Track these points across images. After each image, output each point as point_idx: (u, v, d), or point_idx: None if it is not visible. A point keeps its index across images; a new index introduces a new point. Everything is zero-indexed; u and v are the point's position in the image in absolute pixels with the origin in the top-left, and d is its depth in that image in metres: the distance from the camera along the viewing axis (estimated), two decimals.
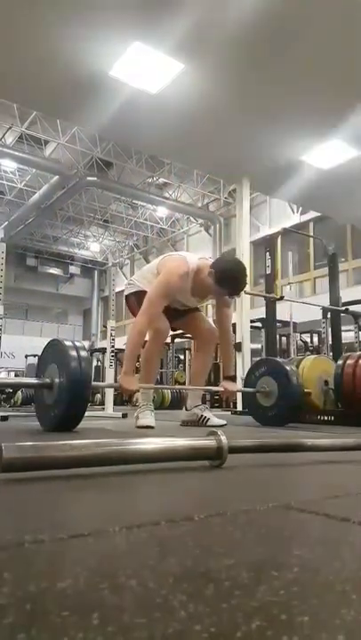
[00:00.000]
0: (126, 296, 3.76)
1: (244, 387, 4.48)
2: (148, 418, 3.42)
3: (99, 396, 13.50)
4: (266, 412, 4.14)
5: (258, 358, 6.34)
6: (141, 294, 3.46)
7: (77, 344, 3.01)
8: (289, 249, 12.97)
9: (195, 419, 3.69)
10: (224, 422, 3.68)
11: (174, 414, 6.50)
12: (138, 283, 3.67)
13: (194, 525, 0.78)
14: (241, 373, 9.12)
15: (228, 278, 3.37)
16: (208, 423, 3.62)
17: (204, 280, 3.41)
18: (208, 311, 12.54)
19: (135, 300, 3.56)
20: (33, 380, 3.19)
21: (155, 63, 6.09)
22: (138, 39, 5.72)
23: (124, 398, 11.44)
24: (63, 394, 2.89)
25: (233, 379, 3.94)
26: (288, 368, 4.14)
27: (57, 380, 2.94)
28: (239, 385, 5.38)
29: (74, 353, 2.90)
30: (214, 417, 3.75)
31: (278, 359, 4.70)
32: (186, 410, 3.79)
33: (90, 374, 3.08)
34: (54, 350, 3.09)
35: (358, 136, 7.72)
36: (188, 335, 6.71)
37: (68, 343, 3.01)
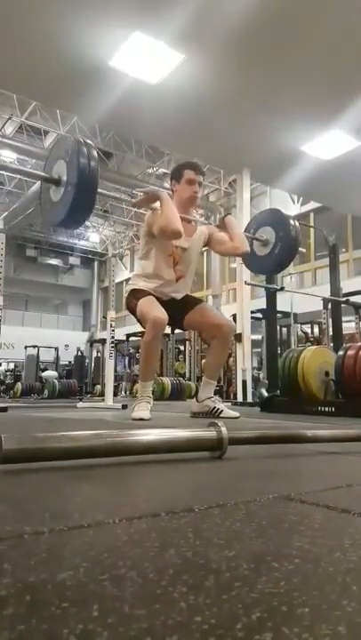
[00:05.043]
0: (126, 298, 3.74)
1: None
2: (143, 410, 3.40)
3: (99, 387, 13.55)
4: (262, 261, 4.32)
5: (258, 349, 6.33)
6: (136, 292, 3.56)
7: (88, 141, 3.10)
8: None
9: (207, 410, 3.63)
10: (238, 414, 3.64)
11: (175, 405, 6.52)
12: (131, 281, 3.75)
13: (194, 517, 0.78)
14: (241, 364, 9.15)
15: (178, 166, 3.69)
16: (222, 415, 3.54)
17: (175, 197, 3.57)
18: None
19: (132, 297, 3.60)
20: (41, 173, 3.25)
21: (155, 53, 6.06)
22: (138, 29, 5.69)
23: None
24: (71, 189, 2.94)
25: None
26: (285, 216, 4.38)
27: (64, 178, 3.00)
28: (247, 384, 5.36)
29: (84, 149, 2.97)
30: (228, 409, 3.69)
31: (280, 211, 4.74)
32: (197, 401, 3.74)
33: (96, 173, 3.04)
34: (62, 148, 3.17)
35: (359, 127, 7.69)
36: None
37: (78, 139, 3.08)
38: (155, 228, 3.42)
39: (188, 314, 3.67)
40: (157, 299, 3.51)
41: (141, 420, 3.25)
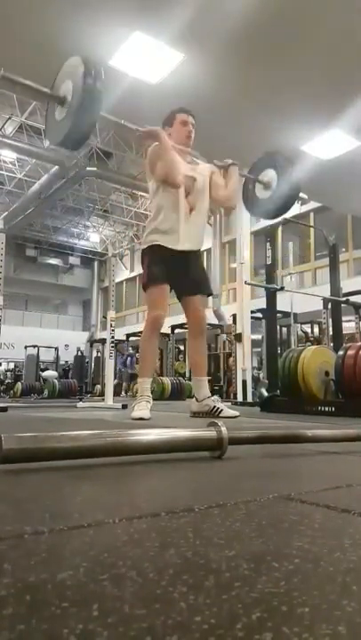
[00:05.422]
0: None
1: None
2: (143, 409, 3.40)
3: (99, 387, 13.57)
4: (264, 204, 4.33)
5: (258, 349, 6.33)
6: (148, 254, 3.60)
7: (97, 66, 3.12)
8: (290, 239, 12.94)
9: (207, 410, 3.63)
10: (237, 413, 3.64)
11: (175, 405, 6.52)
12: (145, 234, 3.75)
13: (194, 516, 0.78)
14: (241, 363, 9.15)
15: (169, 114, 3.72)
16: (222, 414, 3.54)
17: (172, 138, 3.58)
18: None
19: (144, 258, 3.65)
20: (46, 90, 3.41)
21: (155, 53, 6.06)
22: (138, 29, 5.69)
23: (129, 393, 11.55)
24: (74, 109, 3.02)
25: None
26: (287, 158, 4.43)
27: (69, 97, 3.08)
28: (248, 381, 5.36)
29: (91, 69, 3.03)
30: (227, 408, 3.69)
31: (281, 153, 4.77)
32: (197, 401, 3.74)
33: (101, 92, 3.10)
34: (70, 67, 3.28)
35: (359, 127, 7.69)
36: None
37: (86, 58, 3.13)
38: (158, 167, 3.51)
39: (186, 297, 3.70)
40: (169, 257, 3.51)
41: (141, 419, 3.25)
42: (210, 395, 3.73)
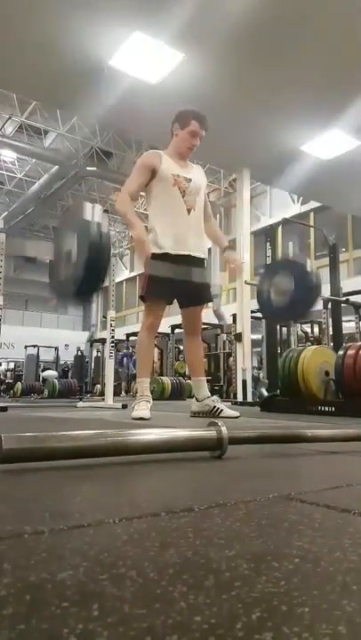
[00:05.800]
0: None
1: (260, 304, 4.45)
2: (143, 409, 3.40)
3: (99, 386, 13.56)
4: (281, 311, 4.17)
5: (258, 349, 6.32)
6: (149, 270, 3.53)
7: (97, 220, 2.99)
8: (289, 239, 12.91)
9: (207, 410, 3.63)
10: (237, 414, 3.64)
11: (175, 405, 6.52)
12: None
13: (194, 516, 0.78)
14: (241, 363, 9.14)
15: (185, 112, 3.62)
16: (222, 415, 3.55)
17: (174, 141, 3.62)
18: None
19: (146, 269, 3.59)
20: (52, 246, 3.21)
21: (155, 53, 6.06)
22: (138, 28, 5.69)
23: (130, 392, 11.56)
24: (81, 263, 2.86)
25: (231, 247, 3.87)
26: (302, 263, 4.19)
27: (75, 250, 2.92)
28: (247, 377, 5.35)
29: (94, 229, 2.87)
30: (227, 409, 3.69)
31: (296, 260, 4.64)
32: (197, 401, 3.74)
33: (109, 243, 3.02)
34: (73, 222, 3.08)
35: (359, 126, 7.68)
36: None
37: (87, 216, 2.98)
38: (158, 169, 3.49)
39: (188, 307, 3.70)
40: (172, 266, 3.47)
41: (142, 419, 3.26)
42: (210, 395, 3.73)
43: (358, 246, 15.31)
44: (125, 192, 3.55)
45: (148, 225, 3.60)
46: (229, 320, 11.86)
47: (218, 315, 15.60)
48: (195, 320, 3.77)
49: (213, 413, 3.56)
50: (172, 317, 6.91)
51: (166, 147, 3.69)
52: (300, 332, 11.04)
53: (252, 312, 9.21)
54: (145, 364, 3.79)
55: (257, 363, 12.32)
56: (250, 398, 8.60)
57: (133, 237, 3.40)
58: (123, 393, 13.04)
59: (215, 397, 3.86)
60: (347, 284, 7.91)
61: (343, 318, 6.69)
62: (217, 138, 8.20)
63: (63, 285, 3.02)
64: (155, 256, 3.44)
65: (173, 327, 12.56)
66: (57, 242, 3.20)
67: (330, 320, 6.77)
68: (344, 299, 6.79)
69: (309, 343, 10.37)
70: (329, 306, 6.81)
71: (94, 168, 16.63)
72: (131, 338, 14.34)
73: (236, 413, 3.63)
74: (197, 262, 3.59)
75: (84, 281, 2.84)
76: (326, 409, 4.35)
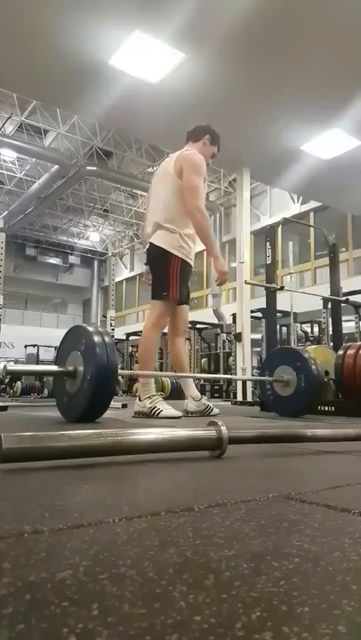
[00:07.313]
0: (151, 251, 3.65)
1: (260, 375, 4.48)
2: (169, 408, 3.45)
3: None
4: (288, 402, 3.96)
5: (258, 349, 6.31)
6: (167, 257, 3.54)
7: (101, 329, 2.92)
8: (289, 239, 12.91)
9: (202, 409, 3.74)
10: (217, 411, 3.82)
11: (175, 404, 6.50)
12: (163, 240, 3.60)
13: (194, 516, 0.78)
14: (241, 363, 9.14)
15: (216, 135, 3.91)
16: (212, 413, 3.74)
17: (202, 148, 3.80)
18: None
19: (162, 259, 3.56)
20: (54, 368, 3.00)
21: (155, 52, 6.05)
22: (138, 28, 5.68)
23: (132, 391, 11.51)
24: (88, 383, 2.71)
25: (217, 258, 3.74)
26: (306, 356, 3.99)
27: (80, 368, 2.78)
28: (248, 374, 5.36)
29: (99, 339, 2.76)
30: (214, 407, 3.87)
31: (297, 348, 4.65)
32: (195, 400, 3.80)
33: (116, 362, 2.89)
34: (77, 337, 2.92)
35: (359, 126, 7.68)
36: None
37: (92, 329, 2.87)
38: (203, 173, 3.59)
39: (182, 305, 3.80)
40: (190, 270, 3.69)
41: (174, 417, 3.30)
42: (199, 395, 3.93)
43: (358, 246, 15.30)
44: (203, 206, 3.55)
45: (171, 225, 3.56)
46: (229, 320, 11.85)
47: (218, 314, 15.59)
48: (187, 318, 3.94)
49: (207, 412, 3.74)
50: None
51: (166, 147, 3.74)
52: (299, 332, 11.05)
53: (251, 312, 9.21)
54: (151, 362, 3.79)
55: (257, 362, 12.33)
56: (250, 398, 8.60)
57: (220, 270, 3.55)
58: (120, 393, 13.01)
59: (205, 397, 4.00)
60: (347, 284, 7.90)
61: (343, 318, 6.68)
62: None
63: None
64: (185, 261, 3.58)
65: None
66: None
67: (330, 320, 6.76)
68: (344, 298, 6.78)
69: (309, 343, 10.37)
70: (329, 305, 6.81)
71: (94, 167, 16.60)
72: (131, 337, 14.33)
73: (216, 411, 3.79)
74: None
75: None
76: (326, 409, 4.36)
